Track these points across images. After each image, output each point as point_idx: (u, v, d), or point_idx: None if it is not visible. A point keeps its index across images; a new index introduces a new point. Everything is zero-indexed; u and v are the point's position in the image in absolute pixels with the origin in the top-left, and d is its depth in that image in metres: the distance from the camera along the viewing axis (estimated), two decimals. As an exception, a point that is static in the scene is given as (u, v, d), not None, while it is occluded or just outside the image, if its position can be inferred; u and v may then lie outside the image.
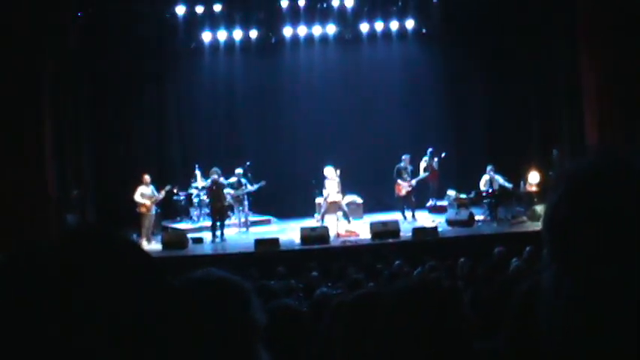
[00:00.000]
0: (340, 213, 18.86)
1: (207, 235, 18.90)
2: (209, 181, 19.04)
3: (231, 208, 20.07)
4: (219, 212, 18.76)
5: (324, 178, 18.88)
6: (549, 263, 1.08)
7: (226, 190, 19.31)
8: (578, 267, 1.02)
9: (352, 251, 16.47)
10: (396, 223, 17.95)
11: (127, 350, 1.10)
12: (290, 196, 21.36)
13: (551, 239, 1.09)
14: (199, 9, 21.40)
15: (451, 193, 20.62)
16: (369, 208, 21.21)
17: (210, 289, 2.00)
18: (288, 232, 18.99)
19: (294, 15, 22.09)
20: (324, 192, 18.89)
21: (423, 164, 20.97)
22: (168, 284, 1.21)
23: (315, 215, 19.85)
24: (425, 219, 20.00)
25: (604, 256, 1.00)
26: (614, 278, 0.99)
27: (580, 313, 1.02)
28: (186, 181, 21.16)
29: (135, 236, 18.91)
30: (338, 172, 18.92)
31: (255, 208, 20.83)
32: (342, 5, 21.94)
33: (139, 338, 1.11)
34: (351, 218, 19.10)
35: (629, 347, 0.99)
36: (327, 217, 18.90)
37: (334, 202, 18.73)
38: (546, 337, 1.08)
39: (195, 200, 20.78)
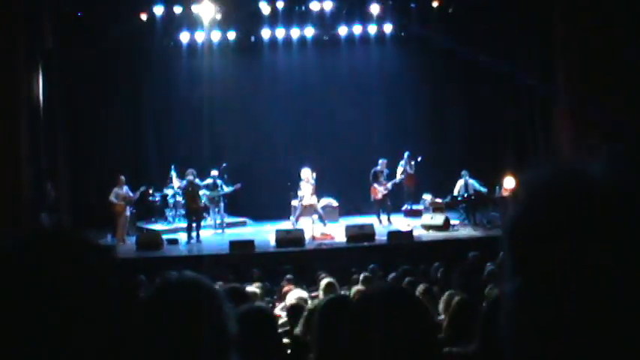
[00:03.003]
0: (316, 216, 18.86)
1: (182, 237, 18.84)
2: (185, 182, 18.97)
3: (206, 209, 20.03)
4: (194, 213, 18.69)
5: (300, 179, 18.87)
6: (512, 276, 1.08)
7: (202, 192, 19.26)
8: (541, 281, 1.02)
9: (327, 254, 16.49)
10: (371, 226, 17.96)
11: (84, 348, 1.08)
12: (266, 198, 21.29)
13: (514, 253, 1.09)
14: (177, 9, 21.30)
15: (427, 197, 20.69)
16: (344, 211, 21.21)
17: (184, 294, 1.98)
18: (264, 234, 18.95)
19: (273, 17, 22.06)
20: (299, 194, 18.89)
21: (400, 169, 21.01)
22: (132, 286, 1.19)
23: (291, 218, 19.83)
24: (400, 223, 20.03)
25: (565, 272, 1.00)
26: (576, 294, 0.99)
27: (542, 326, 1.02)
28: (161, 182, 21.08)
29: (109, 237, 18.85)
30: (314, 174, 18.94)
31: (231, 209, 20.79)
32: (320, 8, 21.95)
33: (99, 339, 1.09)
34: (326, 221, 19.10)
35: None
36: (302, 219, 18.90)
37: (309, 205, 18.73)
38: (509, 349, 1.07)
39: (171, 201, 20.72)
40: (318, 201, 19.27)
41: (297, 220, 18.95)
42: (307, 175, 18.82)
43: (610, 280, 0.98)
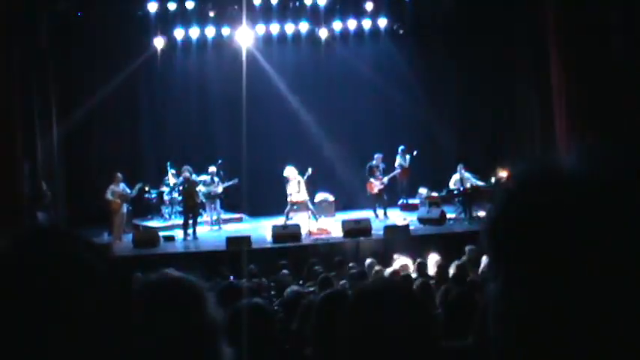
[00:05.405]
0: (310, 212, 18.87)
1: (178, 233, 18.84)
2: (181, 178, 18.98)
3: (202, 205, 20.01)
4: (191, 210, 18.70)
5: (287, 179, 18.90)
6: (494, 274, 1.08)
7: (198, 188, 19.25)
8: (520, 279, 1.03)
9: (324, 249, 16.50)
10: (367, 221, 17.98)
11: (81, 348, 1.09)
12: (262, 193, 21.25)
13: (493, 251, 1.09)
14: (172, 6, 21.28)
15: (423, 191, 20.68)
16: (341, 206, 21.20)
17: (163, 292, 1.98)
18: (260, 230, 18.95)
19: (267, 12, 22.03)
20: (289, 191, 18.90)
21: (397, 163, 21.05)
22: (123, 282, 1.20)
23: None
24: (396, 217, 20.04)
25: (541, 269, 1.00)
26: (554, 291, 0.99)
27: (523, 324, 1.02)
28: (158, 179, 21.05)
29: (106, 234, 18.83)
30: (309, 170, 18.90)
31: (228, 205, 20.77)
32: (314, 3, 21.92)
33: (90, 335, 1.10)
34: (319, 217, 19.09)
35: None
36: (299, 215, 18.90)
37: (301, 202, 18.73)
38: (496, 345, 1.08)
39: (167, 198, 20.69)
40: (314, 196, 19.25)
41: (287, 215, 18.95)
42: (291, 173, 18.79)
43: (588, 277, 0.98)
